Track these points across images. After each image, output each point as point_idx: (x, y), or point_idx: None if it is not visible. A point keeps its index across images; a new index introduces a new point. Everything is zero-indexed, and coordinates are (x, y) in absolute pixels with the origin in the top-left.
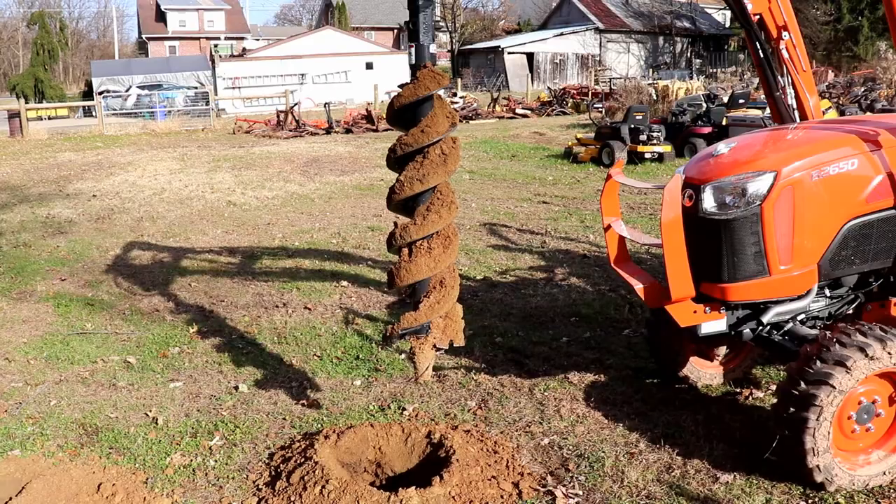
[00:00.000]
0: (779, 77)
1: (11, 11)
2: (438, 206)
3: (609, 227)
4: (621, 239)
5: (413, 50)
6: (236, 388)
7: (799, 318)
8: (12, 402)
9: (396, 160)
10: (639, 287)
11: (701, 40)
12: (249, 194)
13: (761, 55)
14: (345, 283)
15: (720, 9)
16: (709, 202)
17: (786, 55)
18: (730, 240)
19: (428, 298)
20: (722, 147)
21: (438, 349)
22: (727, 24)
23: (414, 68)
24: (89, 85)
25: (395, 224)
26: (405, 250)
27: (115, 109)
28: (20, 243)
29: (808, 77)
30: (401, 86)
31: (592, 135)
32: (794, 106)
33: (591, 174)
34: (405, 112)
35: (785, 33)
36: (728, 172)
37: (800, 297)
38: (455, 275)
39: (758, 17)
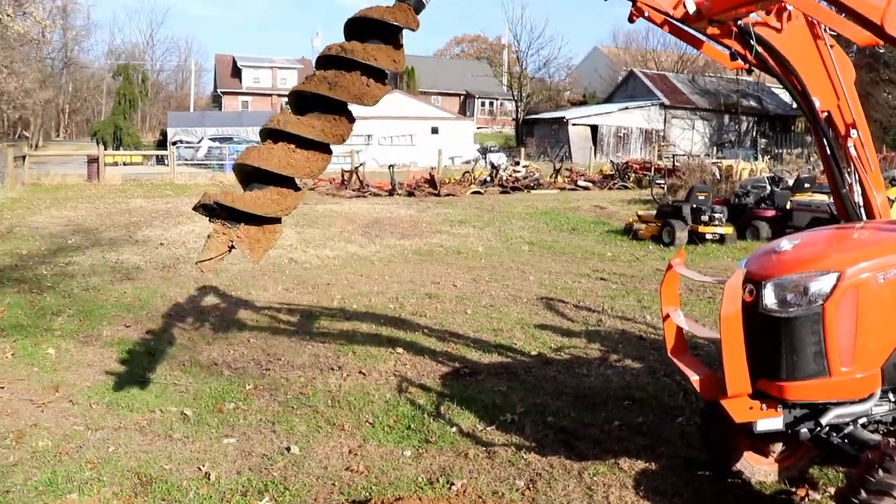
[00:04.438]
0: (846, 174)
1: (100, 62)
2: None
3: (668, 316)
4: (679, 329)
5: None
6: (288, 448)
7: (860, 421)
8: (73, 446)
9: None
10: (695, 379)
11: (767, 120)
12: (311, 252)
13: (828, 152)
14: (400, 349)
15: None
16: (770, 299)
17: (854, 153)
18: (790, 338)
19: (262, 191)
20: (785, 243)
21: (231, 248)
22: (794, 105)
23: None
24: (164, 134)
25: (280, 108)
26: (271, 138)
27: (186, 159)
28: (89, 287)
29: (875, 176)
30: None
31: (653, 212)
32: (861, 203)
33: (650, 252)
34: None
35: (853, 131)
36: (790, 270)
37: (861, 401)
38: (291, 202)
39: (826, 114)
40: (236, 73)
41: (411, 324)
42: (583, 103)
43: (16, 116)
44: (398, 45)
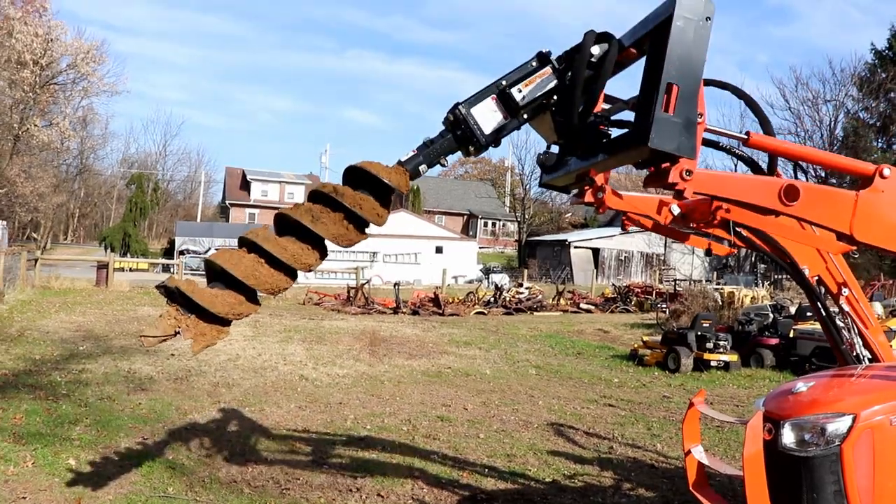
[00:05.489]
0: (843, 331)
1: (114, 170)
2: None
3: (689, 452)
4: (700, 464)
5: None
6: None
7: None
8: None
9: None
10: None
11: None
12: (321, 370)
13: (823, 313)
14: (416, 473)
15: None
16: (788, 438)
17: (847, 309)
18: (809, 477)
19: (222, 291)
20: (800, 385)
21: (175, 333)
22: None
23: None
24: (172, 242)
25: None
26: (245, 247)
27: (192, 268)
28: (104, 396)
29: (875, 329)
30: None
31: (658, 337)
32: (864, 355)
33: (656, 378)
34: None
35: (844, 289)
36: (807, 411)
37: None
38: (245, 310)
39: (816, 278)
40: (245, 185)
41: (425, 447)
42: (584, 226)
43: (27, 219)
44: (386, 203)
